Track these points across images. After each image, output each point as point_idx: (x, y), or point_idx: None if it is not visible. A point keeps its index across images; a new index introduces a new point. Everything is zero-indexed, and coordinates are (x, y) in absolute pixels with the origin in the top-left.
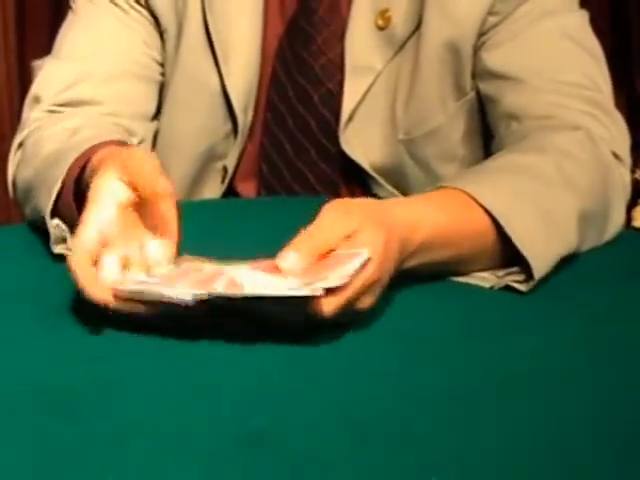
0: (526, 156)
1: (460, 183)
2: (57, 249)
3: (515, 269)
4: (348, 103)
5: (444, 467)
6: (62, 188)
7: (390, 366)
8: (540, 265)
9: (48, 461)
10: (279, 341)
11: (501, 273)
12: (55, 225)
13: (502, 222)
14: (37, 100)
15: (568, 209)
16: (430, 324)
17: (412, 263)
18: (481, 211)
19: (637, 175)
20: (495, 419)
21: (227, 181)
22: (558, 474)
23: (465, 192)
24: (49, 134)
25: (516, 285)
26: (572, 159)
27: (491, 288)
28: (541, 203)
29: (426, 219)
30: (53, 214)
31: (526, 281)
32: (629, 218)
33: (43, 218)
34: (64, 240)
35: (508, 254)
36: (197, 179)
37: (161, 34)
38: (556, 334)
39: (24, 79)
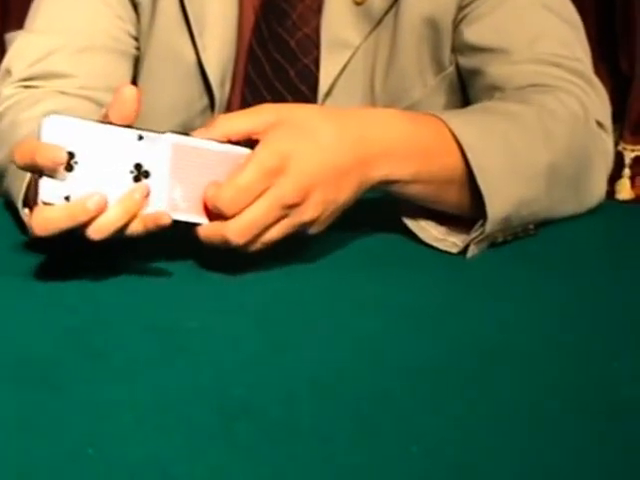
0: (509, 103)
1: (438, 113)
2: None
3: (479, 228)
4: (325, 78)
5: (424, 437)
6: (32, 176)
7: (372, 336)
8: (496, 203)
9: (28, 433)
10: (259, 308)
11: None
12: (26, 214)
13: (467, 152)
14: (8, 73)
15: (539, 158)
16: (412, 294)
17: (377, 173)
18: (452, 139)
19: (620, 148)
20: (477, 389)
21: None
22: (540, 444)
23: (439, 118)
24: (26, 117)
25: (478, 245)
26: (554, 116)
27: (459, 254)
28: (513, 145)
29: (391, 121)
30: (26, 201)
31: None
32: (612, 190)
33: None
34: None
35: (475, 201)
36: None
37: (135, 7)
38: (536, 302)
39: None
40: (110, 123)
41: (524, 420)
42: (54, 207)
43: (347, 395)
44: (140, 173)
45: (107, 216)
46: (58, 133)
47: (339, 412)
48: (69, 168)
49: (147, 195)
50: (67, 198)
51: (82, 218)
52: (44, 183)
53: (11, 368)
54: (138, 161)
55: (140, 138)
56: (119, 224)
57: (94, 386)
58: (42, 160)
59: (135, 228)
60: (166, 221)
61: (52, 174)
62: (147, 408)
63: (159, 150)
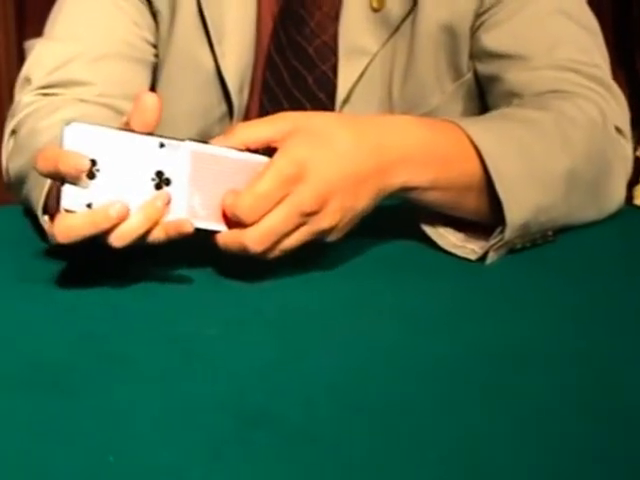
0: (527, 110)
1: (456, 119)
2: (53, 242)
3: (498, 235)
4: (343, 86)
5: (442, 443)
6: (53, 183)
7: (390, 343)
8: (514, 209)
9: (47, 440)
10: (277, 316)
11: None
12: (46, 222)
13: (485, 159)
14: (28, 81)
15: (558, 164)
16: (430, 301)
17: (396, 180)
18: (470, 145)
19: (638, 153)
20: (495, 395)
21: None
22: (557, 451)
23: (457, 124)
24: (45, 126)
25: (497, 251)
26: (573, 122)
27: (478, 260)
28: (531, 151)
29: (409, 128)
30: (45, 208)
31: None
32: (630, 196)
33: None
34: None
35: (493, 208)
36: None
37: (154, 16)
38: (554, 308)
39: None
40: (131, 130)
41: (541, 427)
42: (76, 214)
43: (365, 402)
44: (161, 180)
45: (129, 223)
46: (80, 140)
47: (357, 419)
48: (91, 176)
49: (168, 203)
50: (89, 205)
51: (104, 225)
52: (66, 191)
53: (30, 374)
54: (159, 168)
55: (161, 146)
56: (141, 231)
57: (112, 393)
58: (65, 167)
59: (157, 236)
60: (188, 229)
61: (74, 182)
62: (165, 415)
63: (179, 157)
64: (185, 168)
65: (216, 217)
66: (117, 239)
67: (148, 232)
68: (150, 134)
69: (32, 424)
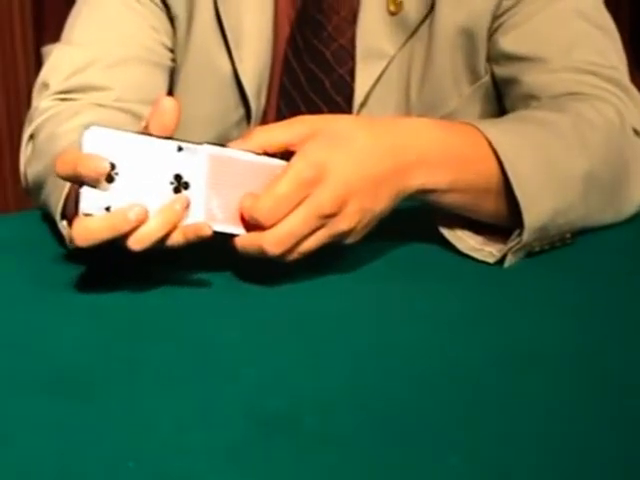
0: (545, 112)
1: (474, 122)
2: (72, 247)
3: (516, 238)
4: (361, 88)
5: (463, 448)
6: (71, 188)
7: (408, 346)
8: (532, 211)
9: (67, 445)
10: (296, 320)
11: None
12: (65, 226)
13: (503, 161)
14: (45, 86)
15: (576, 166)
16: (448, 304)
17: (414, 182)
18: (488, 147)
19: None
20: (513, 398)
21: None
22: (578, 455)
23: (474, 126)
24: (64, 130)
25: (515, 254)
26: (591, 124)
27: (496, 264)
28: (549, 153)
29: (427, 129)
30: (64, 213)
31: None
32: None
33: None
34: None
35: (511, 210)
36: None
37: (172, 20)
38: (570, 310)
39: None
40: (150, 134)
41: (563, 431)
42: (95, 217)
43: (384, 407)
44: (180, 184)
45: (148, 227)
46: (99, 144)
47: (377, 424)
48: (110, 179)
49: (187, 206)
50: (108, 209)
51: (123, 228)
52: (85, 194)
53: (50, 379)
54: (178, 172)
55: (180, 149)
56: (159, 234)
57: (131, 398)
58: (84, 170)
59: (176, 239)
60: (207, 232)
61: (93, 185)
62: (184, 420)
63: (197, 161)
64: (203, 171)
65: (234, 220)
66: (136, 242)
67: (167, 236)
68: (169, 138)
69: (52, 429)
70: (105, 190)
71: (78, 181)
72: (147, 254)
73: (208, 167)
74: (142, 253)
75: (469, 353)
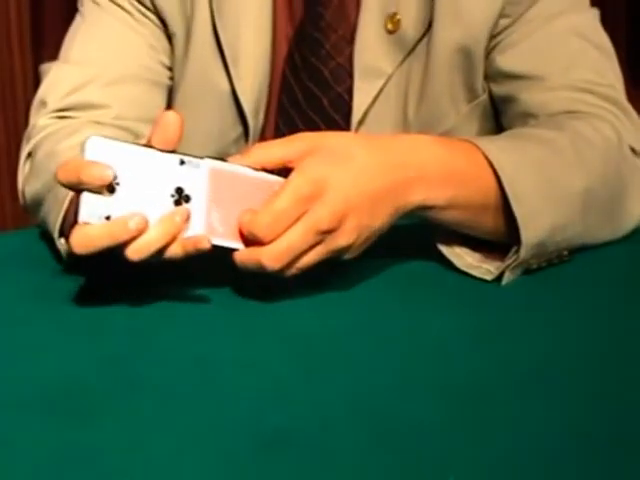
0: (543, 130)
1: (472, 139)
2: (70, 264)
3: (513, 255)
4: (359, 107)
5: (461, 466)
6: (70, 205)
7: (405, 363)
8: (530, 228)
9: (67, 464)
10: (295, 337)
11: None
12: (63, 243)
13: (502, 177)
14: (43, 104)
15: (574, 183)
16: (446, 321)
17: (413, 198)
18: (486, 164)
19: None
20: (513, 416)
21: None
22: (583, 465)
23: (473, 143)
24: (62, 149)
25: (513, 271)
26: (588, 142)
27: (494, 281)
28: (547, 170)
29: (426, 146)
30: (62, 230)
31: (518, 252)
32: None
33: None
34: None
35: (510, 227)
36: None
37: (169, 38)
38: (567, 327)
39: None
40: (152, 147)
41: (563, 447)
42: (94, 225)
43: (384, 423)
44: (181, 197)
45: (147, 237)
46: (101, 154)
47: (375, 440)
48: (111, 189)
49: (187, 219)
50: (107, 218)
51: (122, 237)
52: (85, 203)
53: (50, 397)
54: (179, 185)
55: (182, 163)
56: (158, 245)
57: (130, 416)
58: (88, 178)
59: (174, 251)
60: (206, 245)
61: (96, 192)
62: (184, 437)
63: (199, 175)
64: (204, 185)
65: (234, 235)
66: (134, 252)
67: (165, 247)
68: (172, 151)
69: (52, 447)
70: (105, 200)
71: (80, 189)
72: (146, 267)
73: (209, 181)
74: (141, 265)
75: (467, 370)
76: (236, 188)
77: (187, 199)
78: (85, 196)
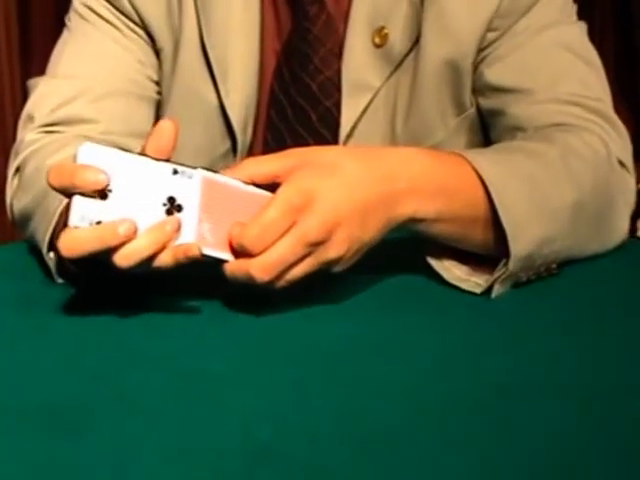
0: (532, 142)
1: (462, 152)
2: (59, 279)
3: (502, 267)
4: (347, 121)
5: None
6: (59, 219)
7: (396, 379)
8: (519, 240)
9: (54, 478)
10: (283, 351)
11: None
12: (52, 258)
13: (491, 190)
14: (31, 119)
15: (563, 196)
16: (435, 335)
17: (404, 211)
18: (476, 177)
19: None
20: (503, 429)
21: None
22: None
23: (462, 156)
24: (50, 163)
25: (502, 284)
26: (578, 155)
27: (483, 294)
28: (536, 183)
29: (417, 159)
30: (51, 244)
31: (507, 265)
32: (634, 228)
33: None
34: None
35: (499, 240)
36: None
37: (157, 53)
38: (557, 340)
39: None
40: (146, 156)
41: (553, 463)
42: (83, 229)
43: (371, 439)
44: (173, 206)
45: (136, 244)
46: (94, 161)
47: (363, 457)
48: (103, 195)
49: (178, 229)
50: (98, 224)
51: (111, 242)
52: (76, 207)
53: (37, 414)
54: (171, 194)
55: (175, 172)
56: (147, 253)
57: (119, 431)
58: (81, 182)
59: (164, 260)
60: (195, 252)
61: (88, 196)
62: (172, 452)
63: (191, 185)
64: (196, 195)
65: (224, 246)
66: (122, 258)
67: (154, 255)
68: (165, 160)
69: (40, 464)
70: (96, 206)
71: (71, 193)
72: (135, 278)
73: (202, 191)
74: (130, 274)
75: (456, 384)
76: (228, 200)
77: (179, 209)
78: (76, 200)
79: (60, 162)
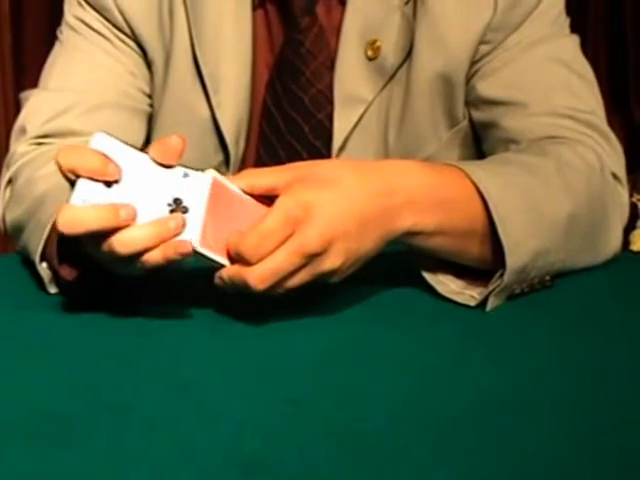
0: (527, 155)
1: (459, 164)
2: (52, 289)
3: (497, 280)
4: (339, 133)
5: None
6: (52, 231)
7: (387, 389)
8: (515, 253)
9: None
10: (277, 363)
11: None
12: (44, 269)
13: (489, 203)
14: (23, 131)
15: (558, 209)
16: (429, 348)
17: (402, 224)
18: (474, 190)
19: (634, 199)
20: (496, 442)
21: None
22: None
23: (460, 169)
24: (42, 175)
25: (497, 297)
26: (573, 168)
27: (479, 306)
28: (533, 196)
29: (414, 171)
30: (43, 255)
31: (502, 277)
32: (627, 242)
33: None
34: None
35: (496, 254)
36: None
37: (149, 65)
38: (549, 354)
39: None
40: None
41: (542, 473)
42: (84, 207)
43: (364, 449)
44: (178, 207)
45: (137, 232)
46: (106, 150)
47: (356, 466)
48: (108, 185)
49: (181, 227)
50: None
51: (110, 223)
52: (79, 188)
53: (32, 425)
54: (178, 196)
55: (185, 175)
56: (145, 244)
57: (112, 442)
58: (87, 164)
59: (153, 255)
60: (187, 249)
61: (91, 182)
62: (165, 463)
63: (199, 186)
64: (204, 195)
65: (223, 251)
66: (120, 244)
67: (151, 249)
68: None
69: (30, 475)
70: (101, 191)
71: (78, 173)
72: (131, 287)
73: (210, 192)
74: (122, 279)
75: (449, 396)
76: (232, 206)
77: (184, 210)
78: (81, 182)
79: (70, 144)
